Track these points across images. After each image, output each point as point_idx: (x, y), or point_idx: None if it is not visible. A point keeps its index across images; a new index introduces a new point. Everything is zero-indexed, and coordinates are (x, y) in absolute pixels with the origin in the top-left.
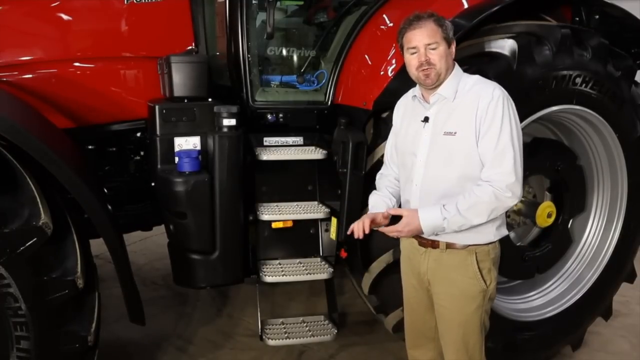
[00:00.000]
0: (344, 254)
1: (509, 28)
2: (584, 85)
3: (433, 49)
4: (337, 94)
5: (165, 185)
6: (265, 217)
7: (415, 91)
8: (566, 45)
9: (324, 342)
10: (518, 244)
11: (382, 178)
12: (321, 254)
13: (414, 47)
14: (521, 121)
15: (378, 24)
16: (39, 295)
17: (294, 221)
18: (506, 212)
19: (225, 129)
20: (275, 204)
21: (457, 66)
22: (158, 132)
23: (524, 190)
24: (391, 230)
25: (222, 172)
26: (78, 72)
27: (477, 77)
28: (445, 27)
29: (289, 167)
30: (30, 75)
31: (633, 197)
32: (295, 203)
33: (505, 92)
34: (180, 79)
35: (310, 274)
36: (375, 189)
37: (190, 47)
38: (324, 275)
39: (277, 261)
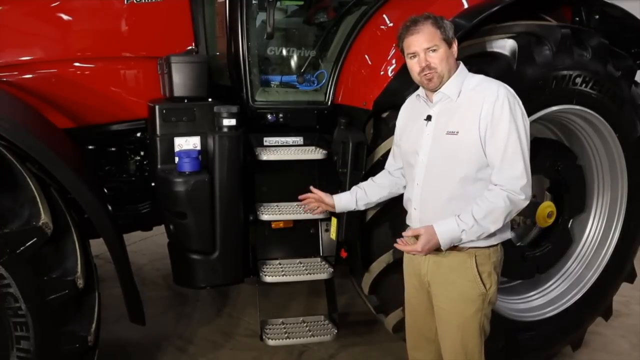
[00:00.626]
0: (344, 254)
1: (509, 28)
2: (584, 85)
3: (433, 51)
4: (337, 94)
5: (165, 185)
6: (265, 217)
7: (419, 90)
8: (566, 45)
9: (324, 342)
10: (518, 244)
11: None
12: (321, 254)
13: (413, 53)
14: None
15: (378, 24)
16: (39, 295)
17: (294, 221)
18: None
19: (225, 129)
20: (275, 204)
21: (461, 65)
22: (158, 132)
23: None
24: (411, 251)
25: (222, 172)
26: (78, 72)
27: (481, 76)
28: (444, 28)
29: (289, 167)
30: (30, 75)
31: (633, 197)
32: (295, 203)
33: (511, 90)
34: (180, 79)
35: (310, 274)
36: None
37: (190, 47)
38: (324, 275)
39: (277, 261)
